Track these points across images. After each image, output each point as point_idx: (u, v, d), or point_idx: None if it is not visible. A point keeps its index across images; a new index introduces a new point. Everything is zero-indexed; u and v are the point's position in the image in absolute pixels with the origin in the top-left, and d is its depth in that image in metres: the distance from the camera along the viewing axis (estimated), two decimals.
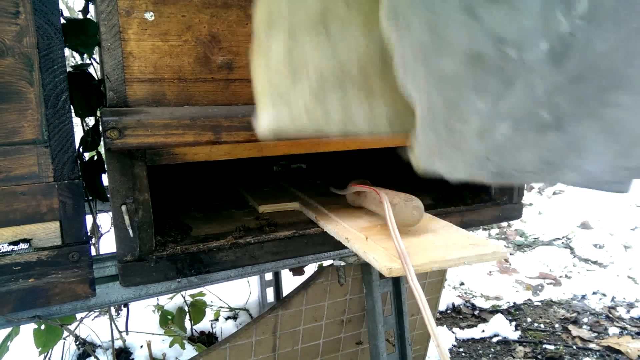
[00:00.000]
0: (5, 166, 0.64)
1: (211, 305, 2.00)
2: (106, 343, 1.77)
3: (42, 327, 1.07)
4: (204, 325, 1.93)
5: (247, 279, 2.10)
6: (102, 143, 0.69)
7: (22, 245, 0.66)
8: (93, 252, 1.01)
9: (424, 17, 0.42)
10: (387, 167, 1.51)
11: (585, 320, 2.04)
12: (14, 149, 0.64)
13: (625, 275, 2.49)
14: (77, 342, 1.71)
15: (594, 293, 2.31)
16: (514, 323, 2.03)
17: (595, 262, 2.70)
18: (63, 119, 0.66)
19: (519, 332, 1.96)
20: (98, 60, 0.95)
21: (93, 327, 1.83)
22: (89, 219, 0.90)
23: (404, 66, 0.51)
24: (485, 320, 2.06)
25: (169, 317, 1.60)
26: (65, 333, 1.30)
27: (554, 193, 4.16)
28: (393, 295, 1.23)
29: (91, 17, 0.91)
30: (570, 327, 1.98)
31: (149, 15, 0.68)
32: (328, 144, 0.89)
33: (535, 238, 3.15)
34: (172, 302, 1.76)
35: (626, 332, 1.93)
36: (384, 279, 1.20)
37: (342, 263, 1.14)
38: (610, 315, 2.07)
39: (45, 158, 0.66)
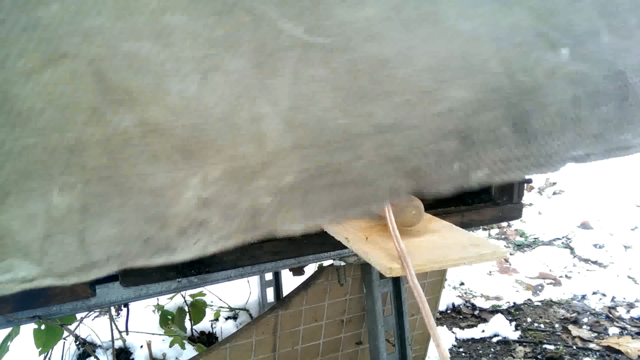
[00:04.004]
0: None
1: (211, 305, 2.00)
2: (106, 343, 1.77)
3: (42, 327, 1.07)
4: (204, 325, 1.93)
5: (247, 279, 2.10)
6: None
7: None
8: None
9: None
10: None
11: (585, 320, 2.04)
12: None
13: (625, 275, 2.49)
14: (77, 342, 1.71)
15: (594, 293, 2.31)
16: (514, 323, 2.03)
17: (595, 262, 2.70)
18: None
19: (519, 332, 1.96)
20: None
21: (93, 327, 1.83)
22: None
23: None
24: (485, 320, 2.06)
25: (169, 317, 1.60)
26: (65, 333, 1.30)
27: (554, 193, 4.16)
28: (393, 295, 1.23)
29: None
30: (570, 327, 1.98)
31: None
32: None
33: (535, 238, 3.15)
34: (172, 302, 1.76)
35: (626, 332, 1.93)
36: (384, 279, 1.20)
37: (342, 263, 1.14)
38: (610, 315, 2.07)
39: None
